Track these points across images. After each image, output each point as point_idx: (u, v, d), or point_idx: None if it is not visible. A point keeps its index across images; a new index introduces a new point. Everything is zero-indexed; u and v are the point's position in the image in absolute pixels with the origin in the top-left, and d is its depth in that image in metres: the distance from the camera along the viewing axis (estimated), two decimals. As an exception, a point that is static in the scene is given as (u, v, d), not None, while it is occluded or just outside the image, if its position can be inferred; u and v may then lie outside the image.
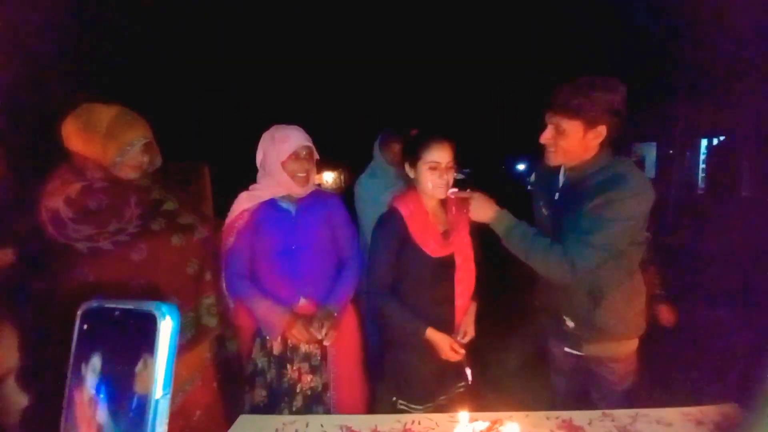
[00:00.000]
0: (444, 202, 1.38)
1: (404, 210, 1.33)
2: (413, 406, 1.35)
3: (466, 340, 1.37)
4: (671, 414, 1.08)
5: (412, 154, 1.32)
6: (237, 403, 1.42)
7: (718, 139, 10.71)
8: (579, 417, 1.09)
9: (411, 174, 1.34)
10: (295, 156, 1.40)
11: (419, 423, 1.10)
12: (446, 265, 1.34)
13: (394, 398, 1.38)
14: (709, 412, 1.07)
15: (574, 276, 1.14)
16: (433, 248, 1.31)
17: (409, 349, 1.35)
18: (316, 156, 1.49)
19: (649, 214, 1.19)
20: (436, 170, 1.28)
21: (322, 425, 1.11)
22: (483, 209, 1.26)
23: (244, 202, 1.43)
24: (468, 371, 1.36)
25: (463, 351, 1.31)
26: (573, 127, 1.15)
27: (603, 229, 1.12)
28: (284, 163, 1.39)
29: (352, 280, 1.49)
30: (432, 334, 1.28)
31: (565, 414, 1.11)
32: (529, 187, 2.25)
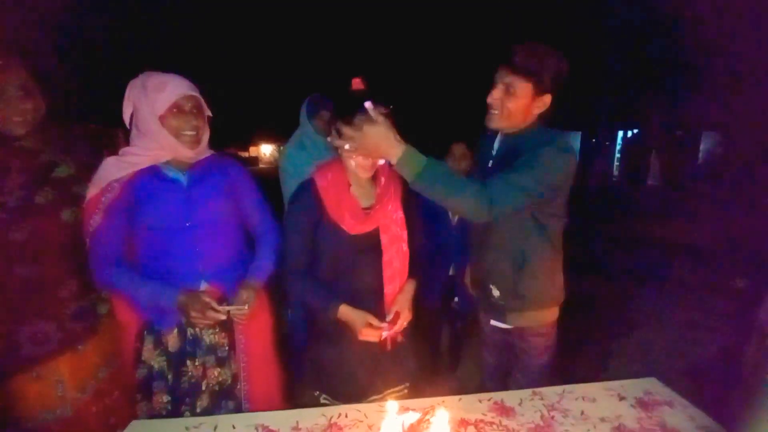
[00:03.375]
0: (375, 174, 1.20)
1: (321, 180, 1.16)
2: (337, 403, 1.17)
3: (399, 323, 1.16)
4: (595, 390, 1.10)
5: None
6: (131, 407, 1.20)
7: (632, 132, 11.93)
8: (510, 397, 1.07)
9: (335, 143, 1.13)
10: (176, 109, 1.11)
11: (346, 416, 1.00)
12: (370, 245, 1.16)
13: (317, 392, 1.22)
14: (631, 386, 1.10)
15: (491, 215, 1.06)
16: (350, 224, 1.13)
17: (332, 344, 1.19)
18: (208, 112, 1.21)
19: (568, 189, 1.22)
20: None
21: (234, 427, 0.96)
22: (380, 145, 1.00)
23: (113, 171, 1.12)
24: (385, 326, 1.14)
25: (384, 325, 1.13)
26: (523, 90, 1.13)
27: (525, 173, 1.10)
28: (163, 119, 1.10)
29: (271, 256, 1.29)
30: (345, 311, 1.11)
31: (497, 395, 1.08)
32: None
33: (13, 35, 1.16)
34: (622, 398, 1.06)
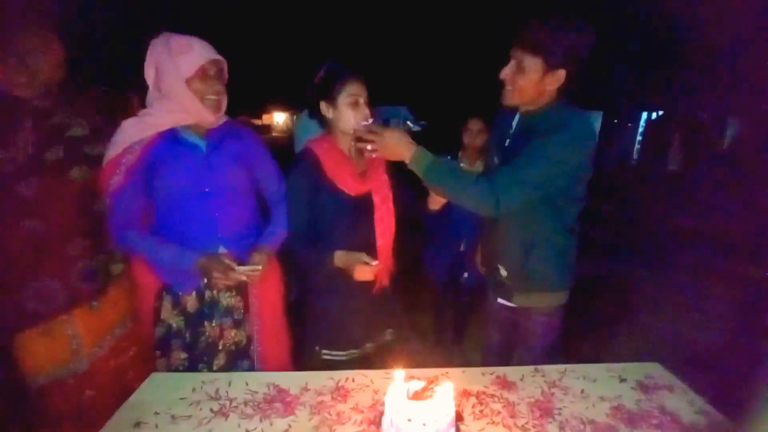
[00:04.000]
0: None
1: (318, 149, 1.26)
2: (336, 353, 1.31)
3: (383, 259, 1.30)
4: (597, 370, 1.12)
5: (328, 91, 1.23)
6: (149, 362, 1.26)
7: (657, 114, 11.47)
8: (512, 373, 1.10)
9: (328, 114, 1.25)
10: (202, 72, 1.11)
11: (353, 380, 1.04)
12: (365, 205, 1.29)
13: (317, 348, 1.31)
14: (632, 369, 1.12)
15: (498, 211, 1.10)
16: (350, 185, 1.25)
17: (327, 294, 1.29)
18: (226, 76, 1.22)
19: (588, 170, 1.20)
20: (356, 107, 1.22)
21: (247, 383, 1.01)
22: (397, 147, 1.13)
23: (133, 133, 1.13)
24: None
25: (377, 262, 1.23)
26: (533, 65, 1.11)
27: (533, 167, 1.09)
28: (189, 82, 1.10)
29: (285, 222, 1.30)
30: (340, 255, 1.22)
31: (500, 370, 1.11)
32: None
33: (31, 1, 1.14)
34: (623, 380, 1.08)
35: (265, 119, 28.48)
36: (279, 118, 26.87)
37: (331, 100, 1.23)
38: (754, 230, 4.24)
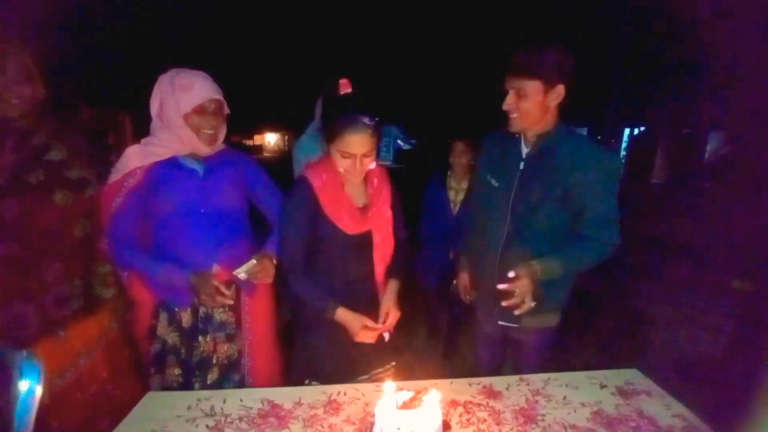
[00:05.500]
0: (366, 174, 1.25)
1: (316, 180, 1.19)
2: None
3: (389, 322, 1.25)
4: (578, 378, 1.17)
5: (326, 132, 1.17)
6: (143, 380, 1.28)
7: (639, 130, 11.81)
8: (498, 382, 1.15)
9: (324, 147, 1.20)
10: (200, 110, 1.20)
11: (345, 394, 1.08)
12: (363, 243, 1.24)
13: (307, 381, 1.27)
14: (613, 376, 1.17)
15: (616, 247, 1.26)
16: (348, 224, 1.20)
17: (320, 330, 1.25)
18: (227, 110, 1.30)
19: None
20: (349, 158, 1.15)
21: (241, 400, 1.05)
22: (531, 288, 1.17)
23: (137, 158, 1.22)
24: (386, 335, 1.23)
25: (380, 326, 1.21)
26: (534, 88, 1.17)
27: (612, 202, 1.23)
28: (187, 117, 1.19)
29: None
30: (343, 314, 1.19)
31: (486, 380, 1.15)
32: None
33: (15, 18, 1.16)
34: (603, 386, 1.13)
35: (257, 140, 28.74)
36: (271, 139, 27.08)
37: (327, 140, 1.17)
38: (736, 242, 4.35)
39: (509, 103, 1.22)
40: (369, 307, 1.24)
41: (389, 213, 1.29)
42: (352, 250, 1.23)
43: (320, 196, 1.19)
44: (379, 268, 1.29)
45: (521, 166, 1.28)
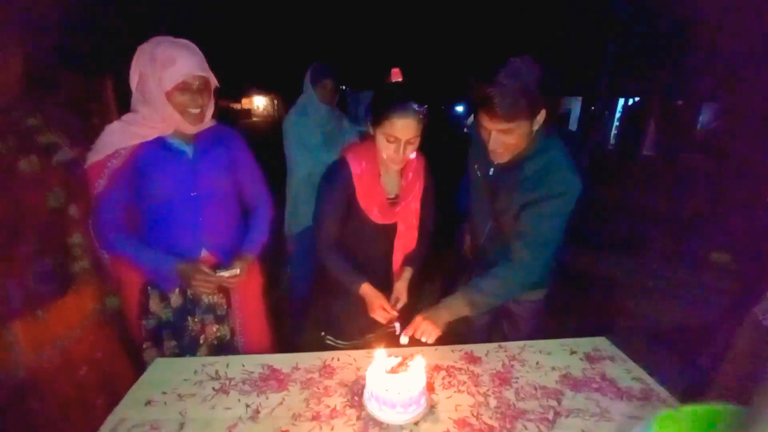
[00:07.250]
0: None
1: (355, 167, 1.23)
2: (339, 341, 1.43)
3: (400, 305, 1.34)
4: (551, 345, 1.28)
5: (374, 115, 1.16)
6: (136, 358, 1.29)
7: (633, 101, 11.75)
8: (478, 349, 1.25)
9: (370, 131, 1.20)
10: (184, 86, 1.10)
11: (338, 359, 1.18)
12: (388, 230, 1.33)
13: (322, 333, 1.44)
14: (583, 343, 1.28)
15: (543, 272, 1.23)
16: (377, 216, 1.27)
17: (339, 297, 1.38)
18: (215, 83, 1.19)
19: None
20: (393, 144, 1.15)
21: (243, 365, 1.14)
22: (437, 327, 1.18)
23: (118, 138, 1.13)
24: (397, 325, 1.30)
25: (395, 313, 1.29)
26: (520, 126, 1.10)
27: (548, 228, 1.17)
28: (169, 95, 1.10)
29: (265, 228, 1.38)
30: (367, 289, 1.29)
31: (467, 347, 1.26)
32: (465, 130, 2.25)
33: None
34: (573, 352, 1.24)
35: (245, 103, 27.87)
36: (260, 103, 26.31)
37: (374, 124, 1.17)
38: (724, 214, 4.47)
39: (495, 145, 1.15)
40: (382, 290, 1.31)
41: (417, 206, 1.35)
42: (377, 235, 1.32)
43: (356, 183, 1.23)
44: (398, 255, 1.37)
45: (490, 172, 1.30)
